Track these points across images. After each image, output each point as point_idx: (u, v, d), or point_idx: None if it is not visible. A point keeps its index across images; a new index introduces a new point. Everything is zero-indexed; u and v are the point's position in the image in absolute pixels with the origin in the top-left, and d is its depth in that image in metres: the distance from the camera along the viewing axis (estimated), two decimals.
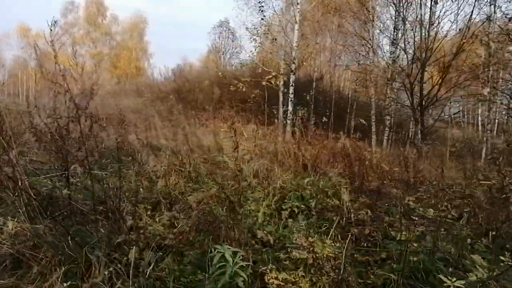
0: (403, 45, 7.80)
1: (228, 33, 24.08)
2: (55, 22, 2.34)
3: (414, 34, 7.39)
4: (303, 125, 5.07)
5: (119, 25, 40.29)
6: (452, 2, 7.48)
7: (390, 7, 10.23)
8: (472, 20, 7.06)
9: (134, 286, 2.04)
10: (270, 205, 3.62)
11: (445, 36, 7.35)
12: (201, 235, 2.48)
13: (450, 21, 7.31)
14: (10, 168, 2.27)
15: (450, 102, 10.25)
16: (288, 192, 3.85)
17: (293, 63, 13.34)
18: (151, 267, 1.99)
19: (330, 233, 2.62)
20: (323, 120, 7.57)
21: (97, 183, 2.62)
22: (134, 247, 2.42)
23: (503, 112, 13.58)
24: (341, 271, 1.90)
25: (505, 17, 8.53)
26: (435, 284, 2.29)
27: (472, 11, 7.08)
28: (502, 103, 10.56)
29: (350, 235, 3.03)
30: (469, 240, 3.35)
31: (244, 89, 11.38)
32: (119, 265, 2.26)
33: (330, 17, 14.97)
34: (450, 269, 2.49)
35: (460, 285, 2.03)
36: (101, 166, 3.70)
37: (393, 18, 10.12)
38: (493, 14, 7.26)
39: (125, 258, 2.35)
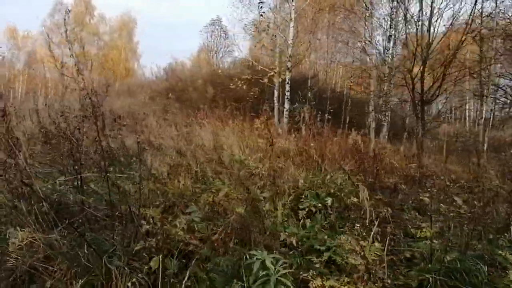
0: (404, 40, 7.72)
1: (220, 31, 23.78)
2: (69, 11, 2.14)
3: (417, 29, 7.32)
4: (310, 122, 4.93)
5: (107, 25, 39.64)
6: None
7: (387, 4, 10.22)
8: (472, 15, 7.03)
9: None
10: (286, 205, 3.48)
11: (447, 32, 7.31)
12: (233, 240, 2.31)
13: (453, 14, 7.26)
14: (18, 172, 2.07)
15: (447, 98, 10.29)
16: (303, 191, 3.72)
17: (289, 60, 13.23)
18: (186, 277, 1.82)
19: (370, 235, 2.47)
20: (326, 117, 7.45)
21: (111, 186, 2.44)
22: (159, 255, 2.27)
23: (494, 108, 13.74)
24: (385, 275, 1.77)
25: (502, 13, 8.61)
26: (475, 283, 2.19)
27: (474, 7, 7.06)
28: (497, 99, 10.66)
29: (386, 236, 2.94)
30: (491, 236, 3.28)
31: (244, 87, 11.20)
32: (140, 274, 2.10)
33: (325, 14, 14.91)
34: (486, 268, 2.40)
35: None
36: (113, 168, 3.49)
37: (390, 13, 10.11)
38: (493, 11, 7.29)
39: (146, 267, 2.19)
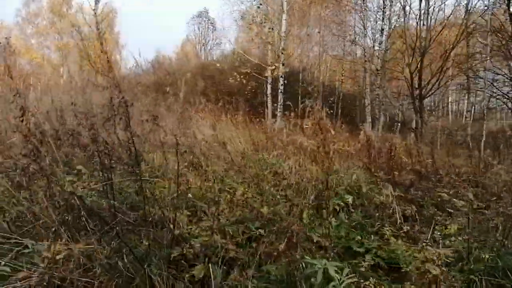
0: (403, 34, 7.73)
1: (208, 23, 23.30)
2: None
3: (417, 23, 7.34)
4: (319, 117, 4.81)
5: (87, 15, 38.23)
6: None
7: None
8: (470, 9, 7.10)
9: None
10: (309, 204, 3.40)
11: (444, 26, 7.37)
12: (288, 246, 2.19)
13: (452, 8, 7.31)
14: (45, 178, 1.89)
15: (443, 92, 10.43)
16: (324, 189, 3.64)
17: (282, 53, 13.11)
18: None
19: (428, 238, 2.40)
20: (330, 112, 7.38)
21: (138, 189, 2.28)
22: (196, 261, 2.14)
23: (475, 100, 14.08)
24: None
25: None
26: None
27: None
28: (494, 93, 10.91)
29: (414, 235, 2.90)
30: None
31: (239, 81, 11.00)
32: (183, 283, 1.97)
33: (317, 6, 14.81)
34: None
35: None
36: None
37: (383, 6, 10.12)
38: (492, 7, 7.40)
39: (187, 275, 2.05)
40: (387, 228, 2.88)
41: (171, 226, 2.33)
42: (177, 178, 2.43)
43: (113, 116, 2.13)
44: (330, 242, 2.72)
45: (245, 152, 4.53)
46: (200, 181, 4.02)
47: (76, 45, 38.59)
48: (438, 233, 3.13)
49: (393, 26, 9.77)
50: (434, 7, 7.91)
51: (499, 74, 10.09)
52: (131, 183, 2.52)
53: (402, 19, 8.87)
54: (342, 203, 3.48)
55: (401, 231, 2.92)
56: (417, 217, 3.30)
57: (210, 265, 2.00)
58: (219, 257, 2.14)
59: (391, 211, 3.20)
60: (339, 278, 1.57)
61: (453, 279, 2.07)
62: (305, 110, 6.35)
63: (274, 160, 3.81)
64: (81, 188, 2.26)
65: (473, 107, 16.38)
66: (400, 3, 8.16)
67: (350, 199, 3.59)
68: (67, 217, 1.92)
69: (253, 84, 11.71)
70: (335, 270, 1.58)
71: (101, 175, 2.11)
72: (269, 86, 14.14)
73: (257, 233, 2.52)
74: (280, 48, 12.97)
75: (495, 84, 9.50)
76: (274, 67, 11.08)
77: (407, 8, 7.85)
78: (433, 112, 11.87)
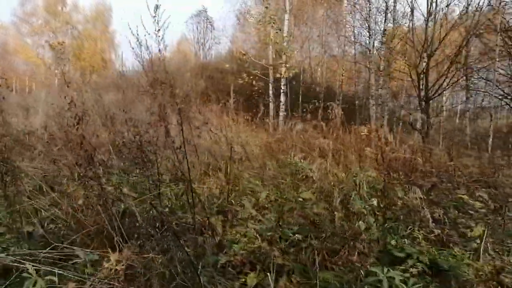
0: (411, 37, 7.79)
1: (207, 23, 23.21)
2: None
3: (426, 23, 7.40)
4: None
5: (81, 13, 37.84)
6: None
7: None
8: (481, 11, 7.17)
9: None
10: (337, 208, 3.42)
11: (452, 26, 7.44)
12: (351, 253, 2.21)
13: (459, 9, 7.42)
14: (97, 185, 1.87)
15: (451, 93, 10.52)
16: (348, 191, 3.67)
17: (284, 53, 13.11)
18: None
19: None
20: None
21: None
22: (243, 269, 2.15)
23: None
24: None
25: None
26: None
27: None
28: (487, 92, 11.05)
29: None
30: None
31: (253, 82, 10.99)
32: None
33: (317, 6, 14.86)
34: None
35: None
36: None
37: (386, 7, 10.19)
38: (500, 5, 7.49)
39: (236, 283, 2.06)
40: (419, 232, 2.92)
41: (212, 232, 2.34)
42: (228, 184, 2.44)
43: (159, 122, 2.12)
44: (369, 248, 2.75)
45: (261, 154, 4.55)
46: (221, 185, 4.03)
47: (70, 44, 38.16)
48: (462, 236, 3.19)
49: (397, 27, 9.84)
50: (441, 7, 7.95)
51: (501, 75, 10.23)
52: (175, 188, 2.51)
53: (407, 20, 8.95)
54: (368, 206, 3.50)
55: (432, 235, 2.96)
56: (446, 220, 3.34)
57: (261, 272, 2.01)
58: (267, 264, 2.15)
59: (419, 214, 3.23)
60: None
61: None
62: (317, 111, 6.34)
63: (305, 164, 3.82)
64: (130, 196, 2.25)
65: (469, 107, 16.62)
66: (408, 4, 8.21)
67: (375, 202, 3.62)
68: (119, 226, 1.91)
69: (260, 84, 11.70)
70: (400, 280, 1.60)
71: (150, 182, 2.10)
72: (271, 86, 14.15)
73: (296, 239, 2.53)
74: (283, 48, 12.98)
75: (494, 83, 9.64)
76: (285, 67, 11.07)
77: (415, 9, 7.88)
78: (440, 113, 11.98)
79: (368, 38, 10.29)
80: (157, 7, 2.18)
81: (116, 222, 1.91)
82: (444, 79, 7.69)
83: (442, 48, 7.90)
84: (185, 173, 2.06)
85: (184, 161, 2.17)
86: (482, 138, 8.97)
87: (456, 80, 7.78)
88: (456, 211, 3.89)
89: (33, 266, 2.09)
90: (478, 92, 12.10)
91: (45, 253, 2.22)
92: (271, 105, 14.40)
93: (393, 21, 9.88)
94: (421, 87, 7.96)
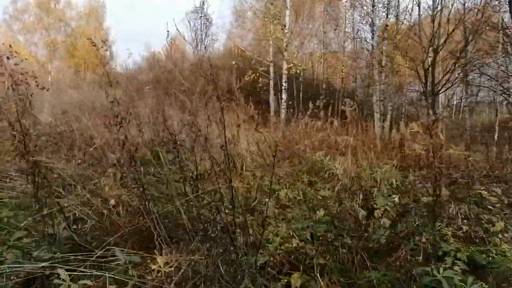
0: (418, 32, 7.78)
1: (204, 19, 22.97)
2: None
3: (433, 17, 7.38)
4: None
5: (74, 10, 37.33)
6: None
7: None
8: (487, 5, 7.18)
9: None
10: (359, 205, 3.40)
11: (459, 21, 7.44)
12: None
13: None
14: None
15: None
16: (370, 188, 3.65)
17: (285, 50, 13.04)
18: None
19: None
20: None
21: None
22: (282, 269, 2.11)
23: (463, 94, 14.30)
24: None
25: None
26: None
27: None
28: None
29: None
30: None
31: (260, 79, 10.91)
32: None
33: (317, 2, 14.79)
34: None
35: None
36: None
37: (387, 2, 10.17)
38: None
39: (279, 284, 2.02)
40: (448, 228, 2.90)
41: (248, 232, 2.28)
42: (271, 184, 2.38)
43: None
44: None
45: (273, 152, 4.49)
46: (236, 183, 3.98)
47: (64, 41, 37.65)
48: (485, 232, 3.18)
49: (401, 23, 9.81)
50: (448, 2, 7.94)
51: (502, 71, 10.28)
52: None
53: (409, 15, 8.95)
54: (390, 203, 3.49)
55: (460, 231, 2.95)
56: (472, 215, 3.33)
57: (303, 273, 1.97)
58: (306, 264, 2.11)
59: (445, 210, 3.21)
60: None
61: None
62: (327, 108, 6.29)
63: (330, 161, 3.79)
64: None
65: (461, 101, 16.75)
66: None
67: (396, 198, 3.61)
68: (160, 227, 1.85)
69: (265, 81, 11.63)
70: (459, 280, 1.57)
71: (191, 183, 2.04)
72: (271, 83, 14.08)
73: (330, 237, 2.49)
74: (284, 45, 12.91)
75: (497, 79, 9.68)
76: (291, 65, 11.01)
77: (421, 4, 7.86)
78: (446, 109, 12.06)
79: (371, 34, 10.25)
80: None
81: (157, 223, 1.85)
82: (450, 75, 7.71)
83: (447, 44, 7.90)
84: (226, 173, 2.00)
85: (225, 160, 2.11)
86: (482, 132, 9.02)
87: (465, 74, 7.79)
88: (476, 207, 3.90)
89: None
90: (479, 87, 12.15)
91: (77, 255, 2.15)
92: (272, 102, 14.34)
93: (396, 16, 9.86)
94: (427, 82, 7.96)
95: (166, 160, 2.41)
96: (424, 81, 7.86)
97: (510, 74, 9.40)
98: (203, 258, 1.79)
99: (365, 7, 11.39)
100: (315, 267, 2.03)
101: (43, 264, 2.17)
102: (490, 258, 2.30)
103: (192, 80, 18.80)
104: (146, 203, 1.87)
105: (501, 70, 8.85)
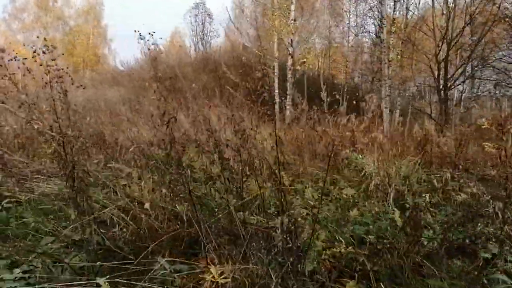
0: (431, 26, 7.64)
1: (205, 15, 22.75)
2: None
3: (448, 13, 7.25)
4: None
5: (72, 8, 37.01)
6: None
7: None
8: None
9: None
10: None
11: (472, 15, 7.30)
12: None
13: None
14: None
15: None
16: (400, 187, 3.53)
17: (291, 45, 12.89)
18: None
19: None
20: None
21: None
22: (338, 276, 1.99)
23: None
24: None
25: None
26: None
27: None
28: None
29: None
30: None
31: (272, 74, 10.77)
32: None
33: None
34: None
35: None
36: None
37: None
38: None
39: None
40: (488, 229, 2.79)
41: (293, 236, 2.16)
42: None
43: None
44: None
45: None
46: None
47: (62, 39, 37.35)
48: None
49: (410, 16, 9.69)
50: None
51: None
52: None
53: (417, 8, 8.82)
54: (422, 202, 3.37)
55: (500, 232, 2.83)
56: (509, 214, 3.21)
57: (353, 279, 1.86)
58: (355, 269, 2.00)
59: (483, 209, 3.10)
60: None
61: None
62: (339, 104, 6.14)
63: (363, 159, 3.67)
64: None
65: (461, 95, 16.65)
66: None
67: (427, 197, 3.49)
68: (208, 233, 1.73)
69: (273, 77, 11.49)
70: None
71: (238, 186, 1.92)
72: (276, 79, 13.95)
73: (369, 240, 2.38)
74: (289, 40, 12.76)
75: (508, 73, 9.55)
76: (305, 59, 10.87)
77: None
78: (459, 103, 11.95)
79: (378, 27, 10.11)
80: None
81: (206, 229, 1.73)
82: (464, 69, 7.58)
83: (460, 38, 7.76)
84: (277, 175, 1.88)
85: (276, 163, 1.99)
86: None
87: (481, 66, 7.67)
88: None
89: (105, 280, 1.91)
90: (487, 80, 12.03)
91: (113, 263, 2.03)
92: (276, 98, 14.21)
93: (407, 8, 9.72)
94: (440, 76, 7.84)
95: (213, 162, 2.29)
96: (437, 75, 7.73)
97: None
98: (257, 266, 1.67)
99: (373, 0, 11.25)
100: (370, 273, 1.92)
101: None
102: None
103: (195, 77, 18.53)
104: (194, 208, 1.75)
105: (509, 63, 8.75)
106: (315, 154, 4.05)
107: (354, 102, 5.43)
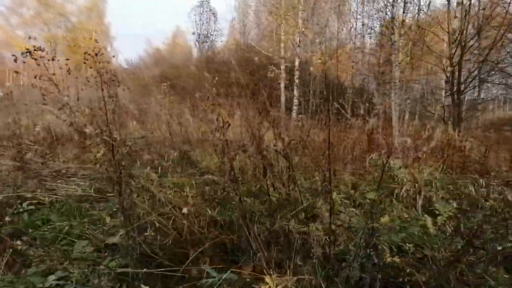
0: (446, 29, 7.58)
1: (210, 14, 22.64)
2: None
3: (465, 14, 7.19)
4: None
5: (74, 4, 36.81)
6: None
7: None
8: None
9: None
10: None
11: (488, 18, 7.25)
12: None
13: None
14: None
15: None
16: (427, 193, 3.48)
17: (298, 46, 12.85)
18: None
19: None
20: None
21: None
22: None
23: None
24: None
25: None
26: None
27: None
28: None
29: None
30: None
31: (282, 74, 10.72)
32: None
33: None
34: None
35: None
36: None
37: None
38: None
39: None
40: None
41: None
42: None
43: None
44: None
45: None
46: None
47: (64, 36, 37.18)
48: None
49: (421, 17, 9.65)
50: None
51: None
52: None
53: (428, 8, 8.78)
54: (450, 208, 3.32)
55: None
56: None
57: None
58: (405, 280, 1.94)
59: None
60: None
61: None
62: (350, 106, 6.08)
63: (394, 164, 3.62)
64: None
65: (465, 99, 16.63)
66: None
67: (454, 203, 3.44)
68: (256, 241, 1.67)
69: (282, 77, 11.45)
70: None
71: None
72: (282, 80, 13.90)
73: (407, 248, 2.32)
74: (297, 40, 12.71)
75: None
76: (319, 60, 10.83)
77: None
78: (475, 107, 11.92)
79: (392, 29, 10.06)
80: None
81: (255, 238, 1.67)
82: (478, 72, 7.53)
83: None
84: (327, 182, 1.82)
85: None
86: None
87: (497, 70, 7.62)
88: None
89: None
90: (495, 84, 12.01)
91: (154, 270, 1.97)
92: (282, 98, 14.17)
93: (418, 10, 9.67)
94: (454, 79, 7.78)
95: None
96: (450, 78, 7.68)
97: None
98: (311, 277, 1.62)
99: (382, 1, 11.20)
100: (420, 284, 1.86)
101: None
102: None
103: (199, 76, 18.43)
104: (243, 216, 1.69)
105: None
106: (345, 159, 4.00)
107: (367, 104, 5.36)
